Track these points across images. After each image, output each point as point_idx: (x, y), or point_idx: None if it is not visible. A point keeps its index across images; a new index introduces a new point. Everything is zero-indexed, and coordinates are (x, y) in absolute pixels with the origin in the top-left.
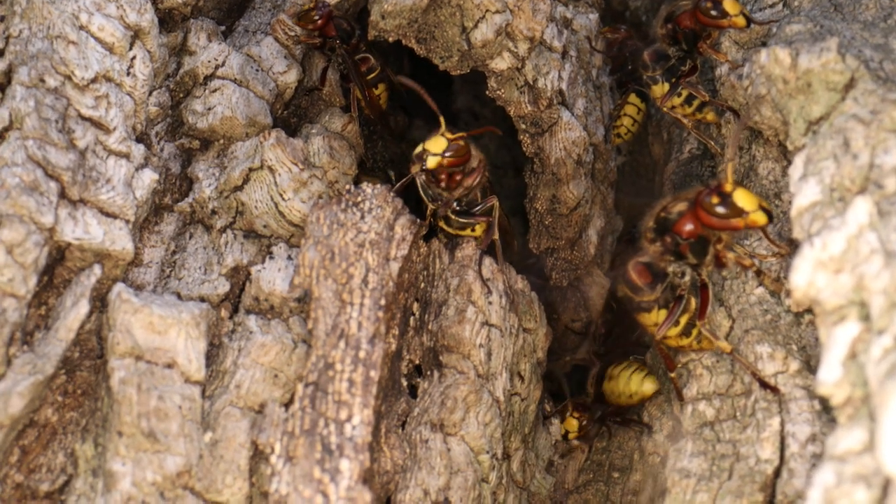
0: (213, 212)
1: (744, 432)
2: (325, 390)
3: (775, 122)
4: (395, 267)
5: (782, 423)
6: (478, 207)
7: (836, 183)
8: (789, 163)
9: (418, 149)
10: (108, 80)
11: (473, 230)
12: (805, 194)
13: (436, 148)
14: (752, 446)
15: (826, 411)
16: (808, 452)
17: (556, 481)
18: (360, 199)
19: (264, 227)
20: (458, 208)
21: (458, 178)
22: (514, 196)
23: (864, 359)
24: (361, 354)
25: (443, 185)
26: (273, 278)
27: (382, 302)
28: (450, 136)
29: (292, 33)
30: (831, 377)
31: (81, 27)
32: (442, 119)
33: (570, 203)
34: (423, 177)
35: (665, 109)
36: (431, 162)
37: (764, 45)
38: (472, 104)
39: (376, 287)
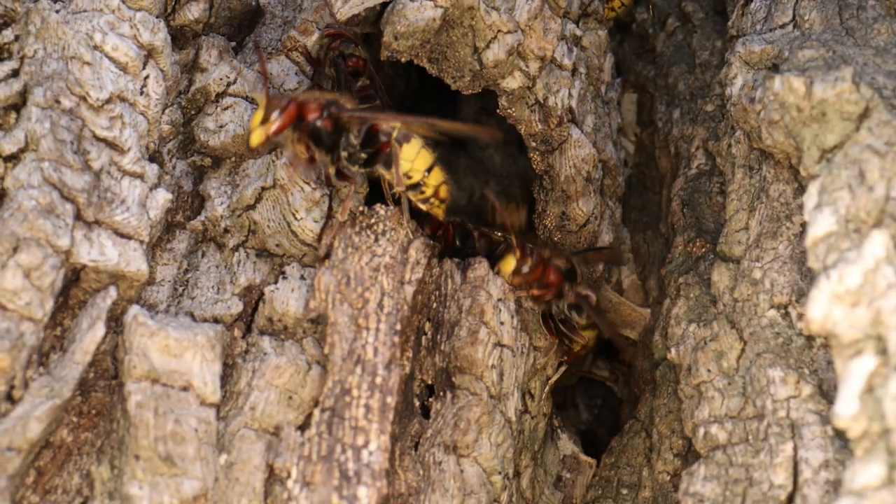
0: (226, 230)
1: (756, 457)
2: (342, 416)
3: (788, 147)
4: (409, 291)
5: (795, 449)
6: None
7: (852, 214)
8: (800, 185)
9: None
10: (123, 100)
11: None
12: (820, 224)
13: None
14: (766, 471)
15: (839, 437)
16: (822, 478)
17: (564, 497)
18: (373, 220)
19: (277, 246)
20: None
21: None
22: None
23: (881, 393)
24: (378, 380)
25: None
26: (286, 299)
27: (398, 327)
28: None
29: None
30: (848, 411)
31: (96, 47)
32: None
33: (580, 220)
34: None
35: None
36: None
37: (776, 66)
38: (479, 115)
39: (391, 311)
